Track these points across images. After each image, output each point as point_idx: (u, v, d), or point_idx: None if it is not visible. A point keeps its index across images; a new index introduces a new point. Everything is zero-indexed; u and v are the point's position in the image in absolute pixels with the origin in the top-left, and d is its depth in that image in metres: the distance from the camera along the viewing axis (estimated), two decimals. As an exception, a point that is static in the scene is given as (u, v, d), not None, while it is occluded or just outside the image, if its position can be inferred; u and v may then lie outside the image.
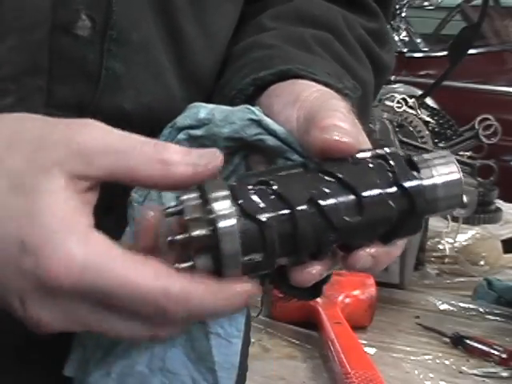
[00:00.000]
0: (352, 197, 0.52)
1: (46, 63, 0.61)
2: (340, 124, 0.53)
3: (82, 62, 0.62)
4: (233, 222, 0.49)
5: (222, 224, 0.49)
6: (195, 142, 0.59)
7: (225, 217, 0.49)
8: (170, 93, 0.66)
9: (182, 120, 0.60)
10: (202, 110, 0.60)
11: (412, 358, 1.24)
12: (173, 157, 0.50)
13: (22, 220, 0.48)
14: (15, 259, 0.48)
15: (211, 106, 0.60)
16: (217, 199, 0.49)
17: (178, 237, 0.50)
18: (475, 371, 1.20)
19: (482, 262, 1.65)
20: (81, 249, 0.47)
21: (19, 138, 0.50)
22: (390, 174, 0.53)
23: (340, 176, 0.52)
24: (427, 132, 1.50)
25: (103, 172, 0.49)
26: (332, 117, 0.53)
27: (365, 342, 1.27)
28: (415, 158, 0.55)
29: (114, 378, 0.60)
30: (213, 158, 0.51)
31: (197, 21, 0.68)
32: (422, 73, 3.62)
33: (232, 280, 0.50)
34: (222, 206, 0.49)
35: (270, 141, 0.57)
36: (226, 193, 0.50)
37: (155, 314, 0.49)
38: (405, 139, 1.44)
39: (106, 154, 0.49)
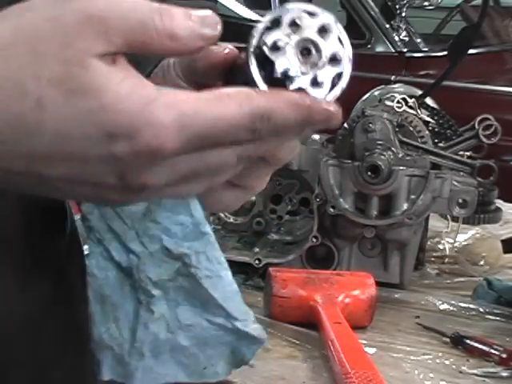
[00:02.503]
0: None
1: None
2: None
3: None
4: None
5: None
6: None
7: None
8: None
9: None
10: None
11: (412, 357, 1.24)
12: (181, 32, 0.51)
13: (97, 117, 0.48)
14: (106, 151, 0.49)
15: None
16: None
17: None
18: (475, 371, 1.20)
19: (481, 262, 1.65)
20: (167, 112, 0.49)
21: (36, 40, 0.49)
22: None
23: None
24: (427, 132, 1.50)
25: (122, 41, 0.50)
26: None
27: (365, 341, 1.26)
28: None
29: None
30: (214, 24, 0.52)
31: None
32: (422, 73, 3.62)
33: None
34: None
35: None
36: None
37: (248, 136, 0.51)
38: (405, 139, 1.44)
39: (122, 26, 0.49)
